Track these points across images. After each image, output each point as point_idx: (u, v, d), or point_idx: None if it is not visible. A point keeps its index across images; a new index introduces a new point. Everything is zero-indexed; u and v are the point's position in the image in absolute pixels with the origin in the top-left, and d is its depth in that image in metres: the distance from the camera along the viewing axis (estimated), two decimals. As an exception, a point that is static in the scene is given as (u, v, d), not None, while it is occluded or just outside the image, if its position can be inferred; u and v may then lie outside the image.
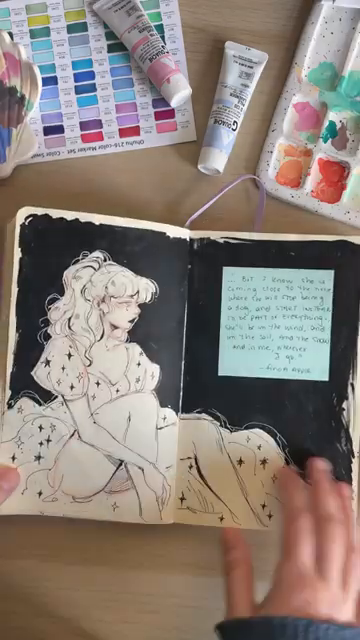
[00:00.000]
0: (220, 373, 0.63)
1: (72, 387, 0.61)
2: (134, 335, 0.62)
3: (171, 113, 0.69)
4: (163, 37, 0.69)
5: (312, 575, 0.54)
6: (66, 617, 0.63)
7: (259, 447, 0.63)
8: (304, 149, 0.69)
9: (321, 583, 0.53)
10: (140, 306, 0.62)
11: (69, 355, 0.62)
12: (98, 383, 0.62)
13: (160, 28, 0.69)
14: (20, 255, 0.61)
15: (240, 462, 0.63)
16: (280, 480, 0.62)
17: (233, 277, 0.64)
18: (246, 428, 0.63)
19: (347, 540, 0.56)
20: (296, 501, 0.58)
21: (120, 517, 0.61)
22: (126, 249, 0.62)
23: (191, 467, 0.63)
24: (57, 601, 0.63)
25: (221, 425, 0.63)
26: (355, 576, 0.55)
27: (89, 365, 0.62)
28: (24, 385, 0.61)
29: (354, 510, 0.60)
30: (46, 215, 0.62)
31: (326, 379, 0.63)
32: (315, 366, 0.63)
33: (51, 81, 0.69)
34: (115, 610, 0.63)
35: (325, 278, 0.63)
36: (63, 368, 0.61)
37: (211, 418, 0.63)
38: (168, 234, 0.63)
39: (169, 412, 0.63)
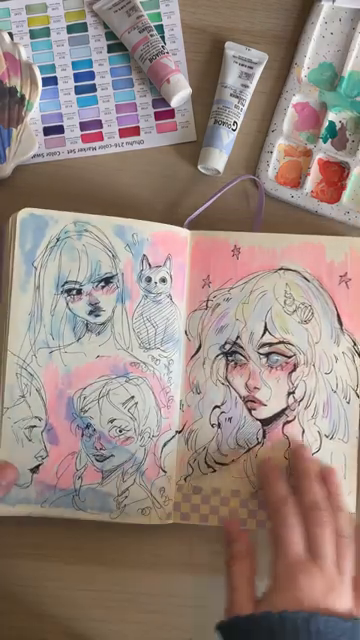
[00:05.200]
0: None
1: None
2: None
3: (171, 113, 0.69)
4: (163, 37, 0.69)
5: (305, 561, 0.54)
6: (66, 617, 0.63)
7: None
8: (304, 149, 0.69)
9: (315, 568, 0.53)
10: None
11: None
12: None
13: (160, 28, 0.69)
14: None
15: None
16: (260, 472, 0.61)
17: None
18: None
19: (335, 526, 0.56)
20: (279, 490, 0.58)
21: (120, 518, 0.61)
22: None
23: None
24: (57, 601, 0.63)
25: None
26: (348, 559, 0.55)
27: None
28: None
29: (341, 495, 0.59)
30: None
31: None
32: None
33: (51, 81, 0.69)
34: (115, 610, 0.63)
35: None
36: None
37: None
38: None
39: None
